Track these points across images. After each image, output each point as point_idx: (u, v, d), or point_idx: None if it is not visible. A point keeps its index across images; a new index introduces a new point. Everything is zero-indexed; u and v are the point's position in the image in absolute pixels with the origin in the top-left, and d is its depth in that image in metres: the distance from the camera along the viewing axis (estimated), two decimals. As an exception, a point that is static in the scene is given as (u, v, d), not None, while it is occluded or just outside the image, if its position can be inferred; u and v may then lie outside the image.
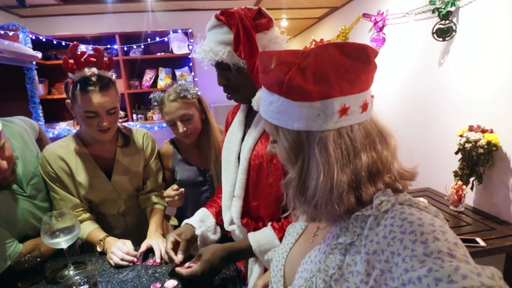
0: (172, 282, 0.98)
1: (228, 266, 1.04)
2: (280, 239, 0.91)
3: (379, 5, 2.78)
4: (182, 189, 1.27)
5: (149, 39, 3.06)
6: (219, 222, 1.14)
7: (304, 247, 0.64)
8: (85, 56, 1.10)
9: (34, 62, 2.68)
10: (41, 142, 1.33)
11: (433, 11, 1.99)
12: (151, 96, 1.32)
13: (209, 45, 0.89)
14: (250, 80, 0.90)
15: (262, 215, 1.00)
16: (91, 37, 2.99)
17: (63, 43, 2.90)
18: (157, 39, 3.07)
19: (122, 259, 1.09)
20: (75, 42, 1.10)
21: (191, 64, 3.17)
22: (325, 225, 0.60)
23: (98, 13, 3.18)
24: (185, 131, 1.28)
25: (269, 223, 0.97)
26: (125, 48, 3.01)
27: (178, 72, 3.24)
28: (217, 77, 0.95)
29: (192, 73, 3.18)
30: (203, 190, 1.43)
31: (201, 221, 1.11)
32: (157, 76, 3.23)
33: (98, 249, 1.17)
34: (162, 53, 3.15)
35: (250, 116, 1.05)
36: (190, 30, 3.08)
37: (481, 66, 1.77)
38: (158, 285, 0.97)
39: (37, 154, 1.22)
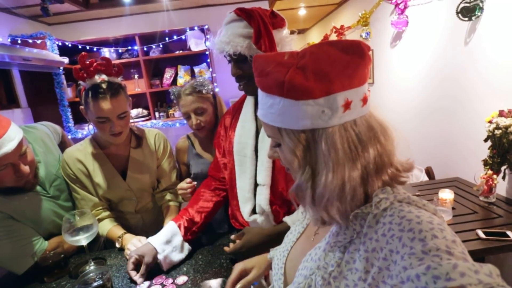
0: (183, 278, 1.01)
1: (266, 249, 1.03)
2: None
3: (400, -14, 2.62)
4: (195, 183, 1.32)
5: (167, 38, 3.12)
6: (187, 237, 1.16)
7: (305, 245, 0.64)
8: (94, 64, 1.15)
9: (61, 67, 2.84)
10: (65, 145, 1.42)
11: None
12: (170, 90, 1.42)
13: (228, 37, 0.95)
14: None
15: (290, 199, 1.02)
16: (113, 40, 3.10)
17: (88, 47, 3.04)
18: (175, 37, 3.12)
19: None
20: (83, 53, 1.16)
21: (208, 60, 3.19)
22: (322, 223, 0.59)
23: (118, 16, 3.29)
24: (198, 123, 1.37)
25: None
26: (145, 49, 3.10)
27: (196, 69, 3.28)
28: (231, 68, 1.02)
29: (210, 69, 3.21)
30: None
31: (166, 242, 1.10)
32: (176, 74, 3.30)
33: (117, 245, 1.24)
34: (181, 51, 3.20)
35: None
36: (206, 26, 3.09)
37: (511, 45, 1.61)
38: (170, 280, 1.01)
39: (58, 157, 1.29)
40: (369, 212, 0.49)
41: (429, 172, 2.23)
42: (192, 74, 3.31)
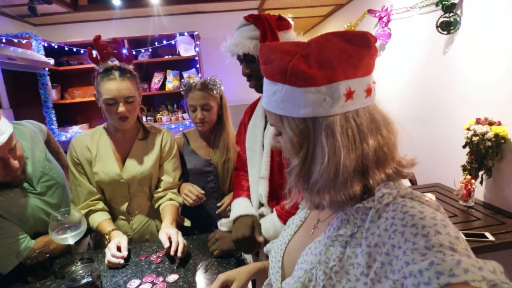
0: (174, 276, 1.01)
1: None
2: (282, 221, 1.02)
3: (383, 1, 2.75)
4: (204, 197, 1.39)
5: (156, 43, 3.13)
6: None
7: (304, 239, 0.64)
8: (107, 47, 1.19)
9: (46, 69, 2.79)
10: (50, 143, 1.39)
11: (437, 4, 1.96)
12: (182, 81, 1.48)
13: (237, 40, 1.04)
14: None
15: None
16: (101, 43, 3.08)
17: (74, 50, 3.00)
18: (164, 42, 3.14)
19: (109, 261, 1.09)
20: (97, 34, 1.21)
21: (198, 65, 3.22)
22: (326, 216, 0.60)
23: (107, 19, 3.27)
24: (202, 118, 1.43)
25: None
26: (134, 52, 3.09)
27: (185, 74, 3.29)
28: (242, 68, 1.11)
29: (199, 74, 3.23)
30: (208, 180, 1.52)
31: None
32: (165, 79, 3.30)
33: (106, 242, 1.20)
34: (170, 56, 3.21)
35: None
36: (196, 33, 3.12)
37: (487, 58, 1.73)
38: (161, 279, 1.00)
39: (45, 154, 1.27)
40: (372, 207, 0.48)
41: (411, 178, 2.32)
42: (181, 79, 3.31)
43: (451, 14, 1.87)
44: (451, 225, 0.42)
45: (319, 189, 0.50)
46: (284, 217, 1.03)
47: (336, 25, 3.88)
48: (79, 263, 1.11)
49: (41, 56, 2.69)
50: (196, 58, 3.18)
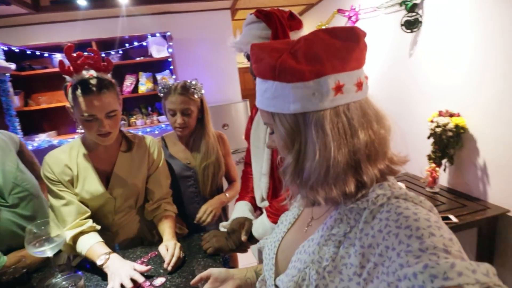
0: (161, 280, 1.01)
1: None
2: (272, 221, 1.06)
3: (352, 1, 2.86)
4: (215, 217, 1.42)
5: (127, 44, 3.05)
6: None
7: (298, 236, 0.64)
8: (81, 58, 1.07)
9: (8, 74, 2.63)
10: (23, 154, 1.33)
11: (401, 4, 2.08)
12: (160, 83, 1.43)
13: (248, 38, 1.02)
14: None
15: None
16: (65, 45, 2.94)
17: (38, 53, 2.86)
18: (135, 43, 3.06)
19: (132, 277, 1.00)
20: (70, 44, 1.07)
21: (172, 67, 3.17)
22: (320, 214, 0.60)
23: (72, 20, 3.14)
24: (182, 123, 1.39)
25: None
26: (103, 55, 2.99)
27: (159, 76, 3.24)
28: (250, 65, 1.07)
29: (174, 76, 3.18)
30: (188, 185, 1.50)
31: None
32: (137, 81, 3.22)
33: (98, 262, 1.06)
34: (142, 58, 3.14)
35: None
36: (168, 33, 3.08)
37: (447, 55, 1.86)
38: (147, 283, 1.00)
39: (17, 164, 1.22)
40: (365, 208, 0.48)
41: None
42: (155, 81, 3.26)
43: (413, 14, 2.00)
44: (444, 226, 0.42)
45: (313, 185, 0.50)
46: (272, 216, 1.06)
47: (307, 24, 3.96)
48: (59, 276, 1.08)
49: (1, 61, 2.54)
50: (170, 59, 3.13)
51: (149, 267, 1.06)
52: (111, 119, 1.12)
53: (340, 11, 3.05)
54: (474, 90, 1.73)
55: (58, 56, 2.94)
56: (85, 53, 1.10)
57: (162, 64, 3.27)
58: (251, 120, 1.33)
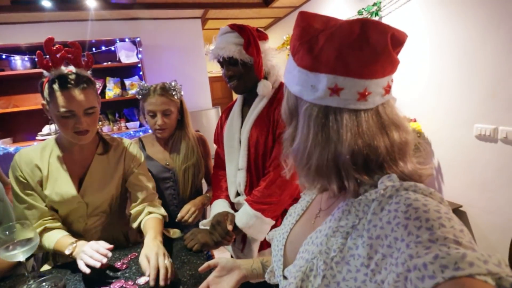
0: (144, 278, 0.99)
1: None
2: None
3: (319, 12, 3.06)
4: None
5: (94, 49, 2.96)
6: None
7: (306, 228, 0.64)
8: (61, 52, 1.03)
9: (-41, 75, 2.43)
10: None
11: (363, 20, 2.28)
12: (139, 84, 1.42)
13: (223, 44, 1.15)
14: (252, 73, 1.19)
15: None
16: (26, 47, 2.78)
17: (-6, 54, 2.67)
18: (103, 48, 2.98)
19: (92, 256, 0.97)
20: (50, 37, 1.01)
21: (141, 72, 3.12)
22: (328, 205, 0.60)
23: (35, 22, 2.99)
24: (163, 124, 1.39)
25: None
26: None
27: (127, 82, 3.17)
28: (224, 70, 1.22)
29: (143, 82, 3.13)
30: (167, 186, 1.48)
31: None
32: (104, 86, 3.12)
33: (67, 252, 1.04)
34: (109, 63, 3.06)
35: (245, 107, 1.31)
36: (138, 39, 3.04)
37: (405, 65, 2.07)
38: (130, 282, 0.98)
39: None
40: (374, 199, 0.48)
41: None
42: (123, 87, 3.18)
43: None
44: (455, 218, 0.42)
45: (301, 169, 0.53)
46: (255, 204, 1.14)
47: (275, 36, 4.13)
48: (31, 281, 1.02)
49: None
50: (139, 65, 3.09)
51: (111, 245, 1.02)
52: (89, 117, 1.08)
53: (307, 25, 3.24)
54: (428, 100, 1.94)
55: (17, 58, 2.77)
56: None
57: (131, 70, 3.21)
58: (220, 124, 1.40)
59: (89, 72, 1.13)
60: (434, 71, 1.94)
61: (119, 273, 1.05)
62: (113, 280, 1.00)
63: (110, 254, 1.00)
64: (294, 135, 0.55)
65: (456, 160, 1.86)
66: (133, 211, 1.26)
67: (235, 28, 1.16)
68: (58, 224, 1.14)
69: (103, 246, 1.01)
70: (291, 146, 0.56)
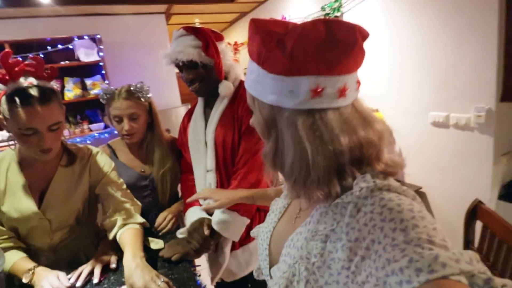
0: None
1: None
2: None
3: (282, 11, 3.12)
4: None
5: (49, 47, 2.78)
6: None
7: (287, 227, 0.63)
8: (20, 65, 0.94)
9: None
10: None
11: (325, 16, 2.36)
12: (101, 89, 1.34)
13: (180, 48, 1.13)
14: (212, 74, 1.18)
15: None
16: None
17: None
18: (60, 46, 2.81)
19: None
20: (7, 50, 0.93)
21: (103, 71, 2.99)
22: (307, 206, 0.60)
23: (-22, 19, 2.73)
24: (130, 129, 1.30)
25: None
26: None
27: (88, 81, 3.02)
28: (184, 74, 1.19)
29: (106, 81, 3.00)
30: (144, 195, 1.40)
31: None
32: (63, 87, 2.95)
33: (24, 280, 0.97)
34: (67, 62, 2.89)
35: (207, 109, 1.30)
36: (98, 36, 2.90)
37: (367, 58, 2.19)
38: (112, 289, 0.96)
39: None
40: (350, 201, 0.48)
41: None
42: (84, 87, 3.02)
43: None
44: (428, 216, 0.43)
45: (295, 181, 0.51)
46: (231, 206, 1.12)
47: (241, 31, 4.14)
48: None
49: None
50: (101, 63, 2.95)
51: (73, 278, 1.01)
52: (54, 132, 1.00)
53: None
54: (389, 91, 2.08)
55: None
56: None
57: (92, 69, 3.06)
58: (183, 128, 1.39)
59: (52, 83, 1.04)
60: (393, 64, 2.08)
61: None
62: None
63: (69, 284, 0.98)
64: (276, 149, 0.53)
65: (415, 146, 2.02)
66: (105, 223, 1.19)
67: (190, 31, 1.15)
68: (12, 244, 1.06)
69: (64, 284, 0.97)
70: (274, 161, 0.53)
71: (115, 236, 1.15)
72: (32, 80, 0.98)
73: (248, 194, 1.03)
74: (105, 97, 1.33)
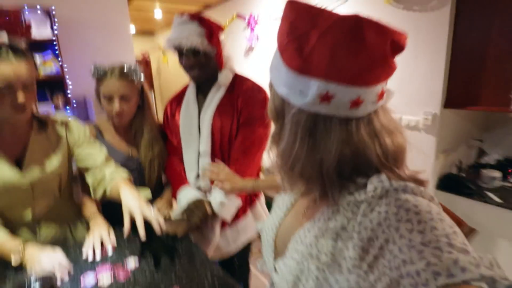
0: (134, 258, 0.98)
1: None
2: None
3: (251, 8, 3.19)
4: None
5: (-8, 15, 2.42)
6: None
7: (295, 222, 0.63)
8: None
9: None
10: None
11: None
12: (94, 65, 1.26)
13: (185, 34, 1.17)
14: (212, 63, 1.24)
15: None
16: None
17: None
18: (7, 18, 2.47)
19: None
20: None
21: (57, 49, 2.71)
22: (316, 202, 0.58)
23: None
24: (121, 110, 1.28)
25: None
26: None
27: (39, 59, 2.71)
28: (184, 59, 1.23)
29: (59, 59, 2.73)
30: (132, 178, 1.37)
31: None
32: (7, 62, 2.60)
33: (13, 262, 0.94)
34: (16, 35, 2.55)
35: (200, 95, 1.34)
36: (53, 8, 2.63)
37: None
38: (120, 267, 0.95)
39: None
40: (363, 200, 0.46)
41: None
42: (35, 65, 2.71)
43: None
44: (447, 218, 0.41)
45: (283, 168, 0.52)
46: None
47: (205, 23, 4.11)
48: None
49: None
50: (55, 41, 2.68)
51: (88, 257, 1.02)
52: (27, 91, 0.98)
53: (239, 16, 3.34)
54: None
55: None
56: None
57: (43, 46, 2.74)
58: (170, 112, 1.41)
59: (23, 43, 1.02)
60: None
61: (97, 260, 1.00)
62: (98, 263, 0.97)
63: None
64: (279, 136, 0.53)
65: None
66: (90, 182, 1.18)
67: (195, 18, 1.19)
68: None
69: (64, 264, 0.96)
70: (277, 145, 0.54)
71: (104, 193, 1.17)
72: (3, 38, 0.95)
73: (254, 184, 1.14)
74: (97, 74, 1.28)
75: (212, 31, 1.19)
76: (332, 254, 0.48)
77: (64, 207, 1.20)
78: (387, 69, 0.45)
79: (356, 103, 0.45)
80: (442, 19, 1.78)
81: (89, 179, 1.20)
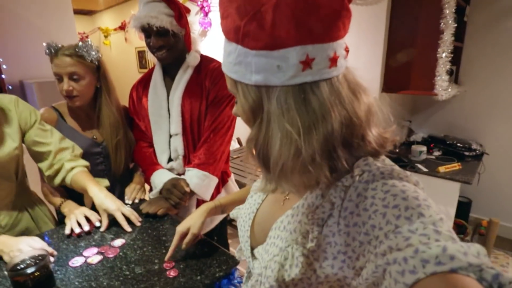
0: (120, 240, 1.02)
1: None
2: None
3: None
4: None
5: None
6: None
7: (274, 209, 0.61)
8: None
9: None
10: None
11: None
12: (47, 43, 1.19)
13: (154, 13, 1.16)
14: (179, 44, 1.25)
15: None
16: None
17: None
18: None
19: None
20: None
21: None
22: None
23: None
24: (69, 89, 1.21)
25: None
26: None
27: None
28: (152, 40, 1.21)
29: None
30: (97, 163, 1.36)
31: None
32: None
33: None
34: None
35: (167, 77, 1.35)
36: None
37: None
38: (107, 247, 0.98)
39: None
40: (350, 185, 0.46)
41: (239, 141, 2.99)
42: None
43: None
44: (433, 204, 0.41)
45: (281, 172, 0.46)
46: (201, 166, 1.28)
47: (112, 17, 3.92)
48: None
49: None
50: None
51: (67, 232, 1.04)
52: None
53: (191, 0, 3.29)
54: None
55: None
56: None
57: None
58: (137, 96, 1.41)
59: None
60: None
61: (82, 243, 1.02)
62: (81, 250, 0.98)
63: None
64: (268, 135, 0.46)
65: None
66: (44, 169, 1.16)
67: None
68: None
69: (42, 246, 0.94)
70: (256, 149, 0.48)
71: (62, 181, 1.17)
72: None
73: (214, 204, 0.96)
74: (47, 52, 1.21)
75: (180, 12, 1.20)
76: (317, 240, 0.48)
77: (22, 193, 1.16)
78: (348, 15, 0.44)
79: (334, 60, 0.43)
80: (380, 14, 2.03)
81: (43, 165, 1.16)
